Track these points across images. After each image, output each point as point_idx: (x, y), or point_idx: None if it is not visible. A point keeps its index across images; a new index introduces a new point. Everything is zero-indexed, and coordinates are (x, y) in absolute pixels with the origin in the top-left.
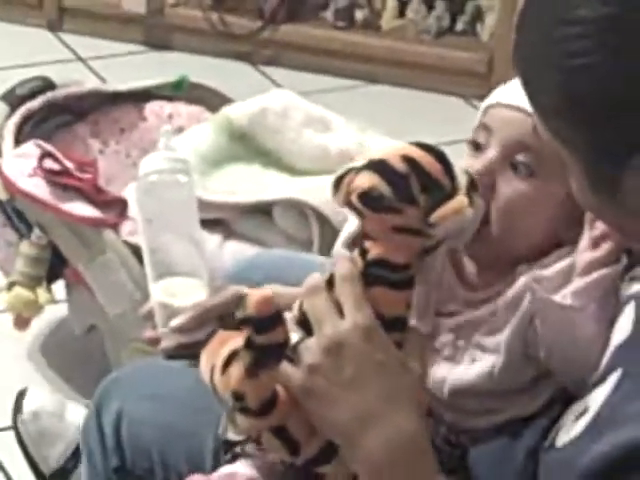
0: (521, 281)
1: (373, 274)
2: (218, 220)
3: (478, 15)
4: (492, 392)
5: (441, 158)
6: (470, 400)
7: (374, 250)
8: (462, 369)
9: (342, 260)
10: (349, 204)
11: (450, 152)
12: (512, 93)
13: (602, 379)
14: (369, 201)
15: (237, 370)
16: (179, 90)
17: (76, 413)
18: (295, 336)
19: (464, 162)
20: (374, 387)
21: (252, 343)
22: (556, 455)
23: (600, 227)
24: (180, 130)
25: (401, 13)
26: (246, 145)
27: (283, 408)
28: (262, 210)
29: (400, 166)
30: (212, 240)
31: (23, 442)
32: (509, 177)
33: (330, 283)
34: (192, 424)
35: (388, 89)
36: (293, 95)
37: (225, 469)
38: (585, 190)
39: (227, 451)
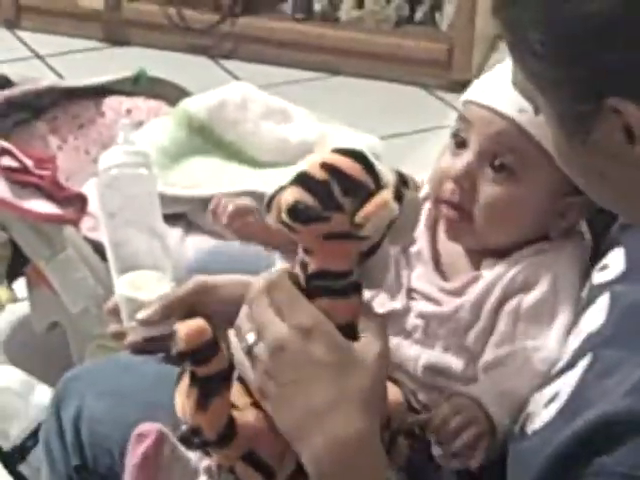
0: (483, 281)
1: (316, 286)
2: (179, 214)
3: (437, 4)
4: (470, 378)
5: (360, 159)
6: (445, 380)
7: (313, 262)
8: (436, 353)
9: (279, 265)
10: (282, 222)
11: (411, 141)
12: (491, 93)
13: (572, 364)
14: (296, 215)
15: (189, 405)
16: (137, 85)
17: (43, 395)
18: (252, 337)
19: (443, 162)
20: (317, 389)
21: (195, 376)
22: (527, 443)
23: None
24: (139, 125)
25: (360, 3)
26: (206, 138)
27: (245, 435)
28: None
29: (320, 174)
30: (174, 234)
31: None
32: (490, 178)
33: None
34: (152, 420)
35: (348, 80)
36: (252, 87)
37: None
38: (559, 138)
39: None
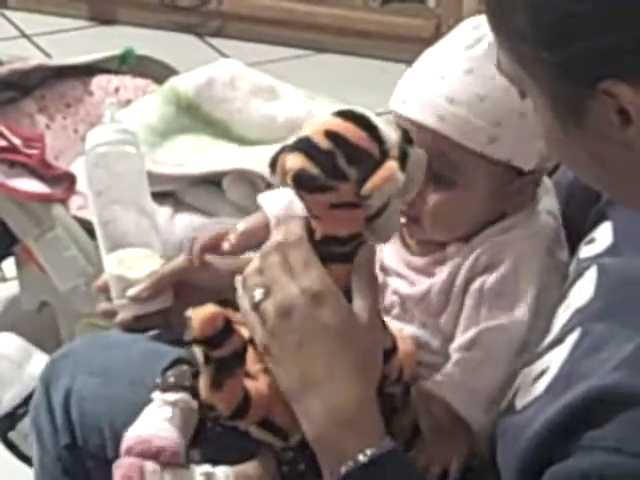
0: (450, 262)
1: (324, 251)
2: (168, 192)
3: None
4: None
5: (365, 124)
6: (425, 353)
7: (320, 228)
8: (415, 329)
9: (293, 221)
10: (287, 185)
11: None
12: (410, 103)
13: (561, 339)
14: (302, 184)
15: (203, 384)
16: (125, 63)
17: (40, 363)
18: (260, 293)
19: None
20: (319, 354)
21: (209, 358)
22: (516, 418)
23: None
24: (127, 103)
25: None
26: (194, 116)
27: (259, 405)
28: (212, 181)
29: (324, 143)
30: (162, 212)
31: None
32: (430, 186)
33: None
34: (141, 397)
35: (335, 58)
36: (240, 65)
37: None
38: (549, 121)
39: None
